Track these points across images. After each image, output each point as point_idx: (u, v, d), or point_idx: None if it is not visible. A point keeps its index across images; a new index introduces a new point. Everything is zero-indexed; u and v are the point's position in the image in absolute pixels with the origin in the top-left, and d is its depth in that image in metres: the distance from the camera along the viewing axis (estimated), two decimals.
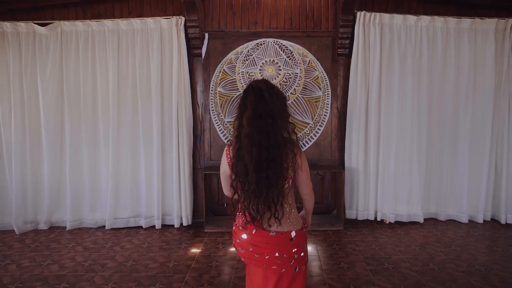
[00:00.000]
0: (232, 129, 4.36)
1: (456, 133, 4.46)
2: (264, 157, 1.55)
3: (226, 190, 1.81)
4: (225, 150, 1.74)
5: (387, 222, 4.48)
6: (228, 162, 1.69)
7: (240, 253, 1.75)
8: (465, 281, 3.00)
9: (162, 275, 3.17)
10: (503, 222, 4.44)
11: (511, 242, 3.86)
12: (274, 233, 1.64)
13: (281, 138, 1.59)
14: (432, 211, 4.62)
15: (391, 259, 3.45)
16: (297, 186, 1.74)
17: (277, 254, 1.63)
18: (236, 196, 1.68)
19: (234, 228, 1.78)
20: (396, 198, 4.46)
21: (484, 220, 4.51)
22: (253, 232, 1.66)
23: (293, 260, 1.67)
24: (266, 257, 1.64)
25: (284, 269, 1.66)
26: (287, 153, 1.60)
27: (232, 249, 3.74)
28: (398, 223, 4.47)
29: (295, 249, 1.66)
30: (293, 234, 1.66)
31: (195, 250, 3.72)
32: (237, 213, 1.75)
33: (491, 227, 4.36)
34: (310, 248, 3.72)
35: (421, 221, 4.45)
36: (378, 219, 4.53)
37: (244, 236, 1.68)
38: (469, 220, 4.52)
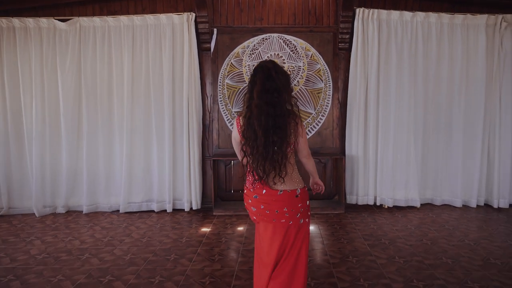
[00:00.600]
0: None
1: (450, 122, 4.73)
2: (271, 124, 1.81)
3: (238, 154, 2.07)
4: (235, 120, 2.00)
5: (386, 206, 4.74)
6: (238, 130, 1.96)
7: (252, 212, 2.00)
8: (454, 252, 3.26)
9: (176, 248, 3.44)
10: (495, 206, 4.70)
11: (501, 223, 4.12)
12: (282, 192, 1.90)
13: (285, 109, 1.86)
14: (428, 197, 4.88)
15: (387, 236, 3.71)
16: (297, 151, 2.00)
17: (285, 209, 1.90)
18: (245, 160, 1.94)
19: (245, 191, 2.03)
20: (394, 184, 4.72)
21: (477, 205, 4.77)
22: (263, 192, 1.92)
23: (299, 214, 1.93)
24: (276, 212, 1.90)
25: (291, 222, 1.92)
26: (290, 122, 1.87)
27: (240, 228, 4.01)
28: (396, 208, 4.73)
29: (300, 204, 1.93)
30: (298, 191, 1.92)
31: (205, 229, 3.99)
32: (247, 176, 2.00)
33: (484, 210, 4.61)
34: (312, 228, 3.98)
35: (418, 205, 4.71)
36: (377, 203, 4.79)
37: (256, 196, 1.94)
38: (463, 205, 4.77)
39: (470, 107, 4.70)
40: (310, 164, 2.09)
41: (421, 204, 4.78)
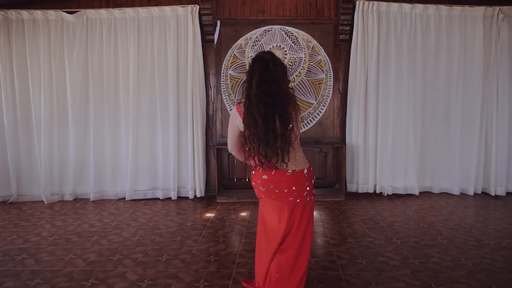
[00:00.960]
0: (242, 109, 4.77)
1: (448, 112, 4.83)
2: (270, 113, 1.90)
3: (232, 143, 2.14)
4: (235, 108, 2.05)
5: (385, 194, 4.86)
6: (241, 117, 2.00)
7: (260, 191, 2.10)
8: (450, 234, 3.38)
9: (182, 231, 3.57)
10: (492, 194, 4.80)
11: (497, 209, 4.23)
12: (291, 171, 2.01)
13: (285, 98, 1.94)
14: (427, 185, 4.99)
15: (386, 220, 3.83)
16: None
17: (294, 188, 2.01)
18: (245, 147, 2.04)
19: (253, 172, 2.11)
20: (393, 172, 4.83)
21: (475, 193, 4.88)
22: (273, 172, 2.02)
23: (306, 192, 2.05)
24: (285, 191, 2.01)
25: (299, 200, 2.04)
26: (290, 110, 1.96)
27: (243, 213, 4.14)
28: (396, 195, 4.84)
29: (307, 183, 2.05)
30: (305, 171, 2.04)
31: (209, 215, 4.12)
32: (250, 160, 2.10)
33: (481, 198, 4.72)
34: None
35: (417, 193, 4.82)
36: (377, 191, 4.90)
37: (265, 176, 2.03)
38: (461, 193, 4.88)
39: (468, 97, 4.80)
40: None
41: (420, 192, 4.89)
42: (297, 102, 2.02)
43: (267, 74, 1.90)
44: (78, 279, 2.56)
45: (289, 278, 2.07)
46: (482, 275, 2.56)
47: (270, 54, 2.00)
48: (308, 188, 2.06)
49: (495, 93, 4.78)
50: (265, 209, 2.16)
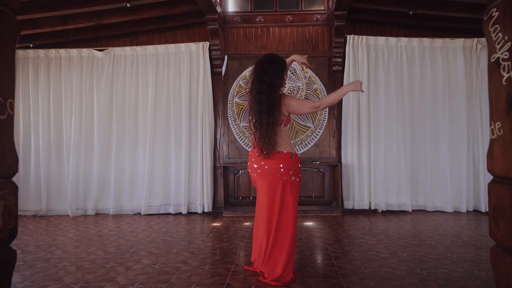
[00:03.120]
0: (246, 133, 5.28)
1: (436, 134, 5.23)
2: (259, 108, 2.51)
3: None
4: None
5: (380, 210, 5.15)
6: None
7: (253, 169, 2.58)
8: (439, 237, 3.67)
9: (190, 233, 3.96)
10: (483, 210, 5.05)
11: (487, 221, 4.47)
12: (279, 152, 2.50)
13: (271, 98, 2.53)
14: (421, 203, 5.26)
15: (380, 228, 4.14)
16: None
17: (281, 165, 2.47)
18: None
19: (250, 152, 2.65)
20: (386, 189, 5.16)
21: (467, 211, 5.12)
22: (264, 152, 2.50)
23: (292, 171, 2.50)
24: (274, 167, 2.48)
25: (285, 177, 2.49)
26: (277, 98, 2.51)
27: (247, 223, 4.50)
28: (390, 212, 5.13)
29: (293, 163, 2.52)
30: (292, 154, 2.54)
31: (216, 224, 4.49)
32: (252, 144, 2.61)
33: (473, 214, 4.97)
34: (311, 223, 4.44)
35: (410, 210, 5.09)
36: (372, 208, 5.20)
37: (258, 155, 2.54)
38: (454, 211, 5.13)
39: (454, 121, 5.20)
40: (326, 99, 2.58)
41: (414, 210, 5.16)
42: (294, 121, 2.63)
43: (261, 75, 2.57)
44: (99, 262, 2.96)
45: (280, 254, 2.44)
46: (466, 264, 2.84)
47: (267, 56, 2.66)
48: (294, 168, 2.52)
49: (479, 116, 5.19)
50: (258, 191, 2.61)
